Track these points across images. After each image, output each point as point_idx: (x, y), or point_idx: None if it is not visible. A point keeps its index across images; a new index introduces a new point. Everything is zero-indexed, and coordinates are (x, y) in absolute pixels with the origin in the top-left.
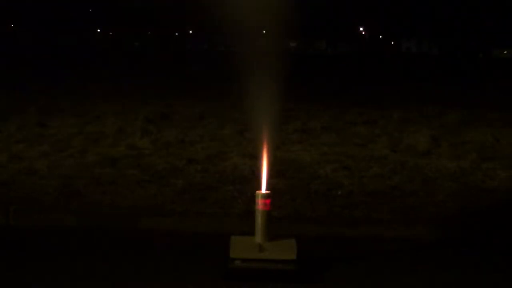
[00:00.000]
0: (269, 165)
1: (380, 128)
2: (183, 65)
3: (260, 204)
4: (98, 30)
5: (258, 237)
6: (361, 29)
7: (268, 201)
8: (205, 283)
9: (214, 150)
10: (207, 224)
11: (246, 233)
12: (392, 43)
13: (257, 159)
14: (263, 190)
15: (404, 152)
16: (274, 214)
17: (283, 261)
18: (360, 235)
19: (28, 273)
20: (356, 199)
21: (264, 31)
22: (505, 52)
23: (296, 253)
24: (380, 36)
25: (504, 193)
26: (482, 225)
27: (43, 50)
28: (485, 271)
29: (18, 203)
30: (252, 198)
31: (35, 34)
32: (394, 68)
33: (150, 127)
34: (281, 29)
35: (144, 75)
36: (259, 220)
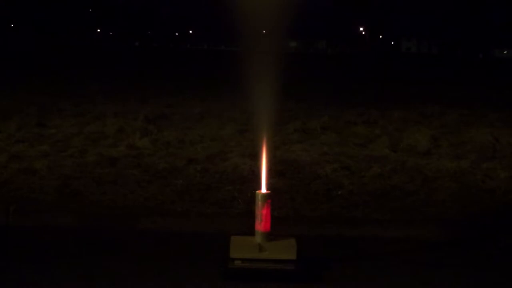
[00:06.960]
0: (269, 165)
1: (380, 128)
2: (183, 64)
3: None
4: (98, 30)
5: (258, 237)
6: (361, 29)
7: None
8: (205, 283)
9: (214, 150)
10: (207, 224)
11: (246, 233)
12: (392, 43)
13: (257, 159)
14: (263, 190)
15: (404, 152)
16: (274, 214)
17: (283, 261)
18: (360, 235)
19: (28, 273)
20: (356, 199)
21: (264, 31)
22: (505, 52)
23: (296, 253)
24: (380, 36)
25: (504, 193)
26: (482, 225)
27: (43, 50)
28: (486, 271)
29: (18, 203)
30: (252, 198)
31: (35, 33)
32: (394, 68)
33: (150, 127)
34: (281, 29)
35: (144, 74)
36: (259, 221)
